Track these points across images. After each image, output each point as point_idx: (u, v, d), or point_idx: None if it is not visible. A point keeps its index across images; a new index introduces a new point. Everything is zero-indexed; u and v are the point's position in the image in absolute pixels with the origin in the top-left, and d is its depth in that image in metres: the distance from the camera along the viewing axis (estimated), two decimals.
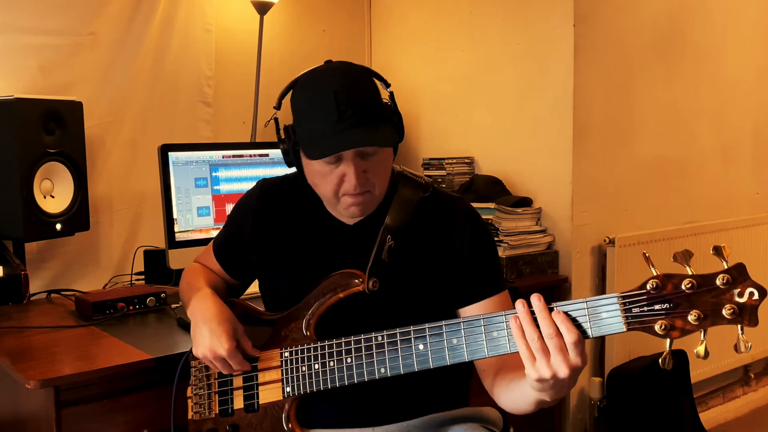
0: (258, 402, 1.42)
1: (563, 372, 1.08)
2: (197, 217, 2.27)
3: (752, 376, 3.57)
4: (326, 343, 1.35)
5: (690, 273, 1.05)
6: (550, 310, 1.11)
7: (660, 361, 1.07)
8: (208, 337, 1.37)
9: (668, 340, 1.05)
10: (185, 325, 1.82)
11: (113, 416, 1.63)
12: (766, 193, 3.56)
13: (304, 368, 1.37)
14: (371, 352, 1.29)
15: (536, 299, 1.11)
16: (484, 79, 2.90)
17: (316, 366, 1.35)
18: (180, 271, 1.72)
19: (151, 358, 1.63)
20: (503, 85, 2.84)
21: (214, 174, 2.31)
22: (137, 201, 2.61)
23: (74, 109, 2.26)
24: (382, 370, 1.28)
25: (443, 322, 1.22)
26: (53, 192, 2.22)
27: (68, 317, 2.04)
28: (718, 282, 1.03)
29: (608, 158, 2.78)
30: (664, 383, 2.77)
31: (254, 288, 1.63)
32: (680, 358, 2.83)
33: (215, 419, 1.47)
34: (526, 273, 2.60)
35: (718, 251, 1.03)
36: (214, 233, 1.70)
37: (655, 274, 1.06)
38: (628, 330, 1.07)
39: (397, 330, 1.27)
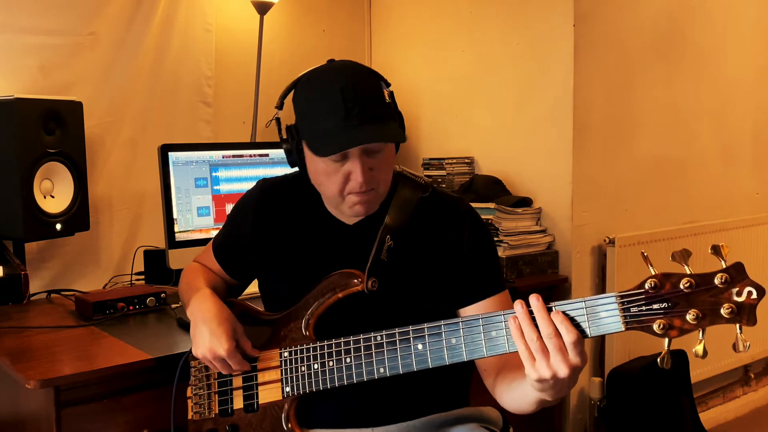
0: (257, 402, 1.42)
1: (563, 372, 1.08)
2: (197, 217, 2.27)
3: (752, 376, 3.57)
4: (325, 343, 1.35)
5: (688, 272, 1.05)
6: (549, 310, 1.11)
7: (658, 360, 1.07)
8: (207, 337, 1.37)
9: (666, 340, 1.05)
10: (185, 325, 1.82)
11: (113, 416, 1.63)
12: (766, 193, 3.56)
13: (303, 368, 1.37)
14: (370, 352, 1.29)
15: (535, 299, 1.11)
16: (484, 79, 2.90)
17: (316, 366, 1.35)
18: (180, 271, 1.72)
19: (151, 358, 1.63)
20: (503, 85, 2.84)
21: (214, 174, 2.31)
22: (137, 201, 2.62)
23: (74, 109, 2.26)
24: (381, 370, 1.28)
25: (442, 322, 1.22)
26: (53, 192, 2.22)
27: (68, 317, 2.04)
28: (717, 281, 1.03)
29: (608, 158, 2.78)
30: (664, 383, 2.77)
31: (254, 288, 1.63)
32: (680, 358, 2.83)
33: (215, 419, 1.47)
34: (526, 273, 2.60)
35: (716, 250, 1.03)
36: (214, 233, 1.70)
37: (653, 273, 1.06)
38: (627, 329, 1.07)
39: (396, 330, 1.27)
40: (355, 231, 1.45)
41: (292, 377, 1.38)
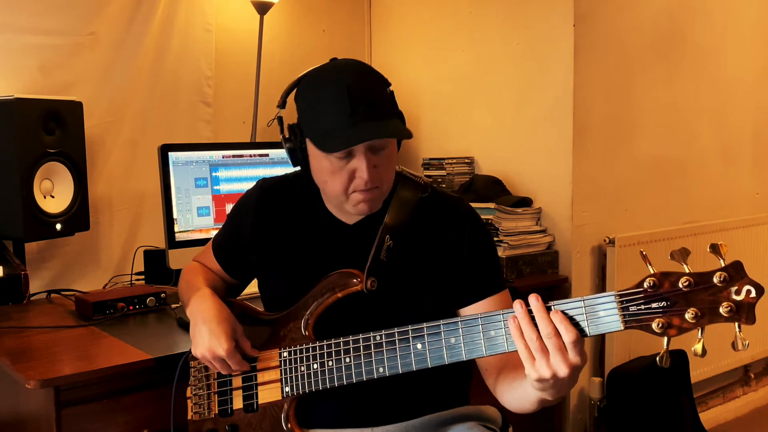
0: (257, 402, 1.42)
1: (563, 371, 1.08)
2: (197, 217, 2.27)
3: (752, 376, 3.57)
4: (325, 342, 1.35)
5: (687, 271, 1.05)
6: (548, 309, 1.11)
7: (657, 359, 1.07)
8: (207, 337, 1.37)
9: (665, 339, 1.06)
10: (185, 325, 1.82)
11: (113, 416, 1.63)
12: (766, 193, 3.56)
13: (302, 368, 1.37)
14: (369, 351, 1.29)
15: (534, 299, 1.11)
16: (484, 79, 2.90)
17: (315, 366, 1.35)
18: (180, 271, 1.72)
19: (151, 358, 1.63)
20: (503, 85, 2.84)
21: (214, 174, 2.31)
22: (137, 201, 2.62)
23: (74, 109, 2.26)
24: (381, 370, 1.28)
25: (441, 322, 1.23)
26: (53, 192, 2.22)
27: (68, 317, 2.04)
28: (715, 280, 1.03)
29: (608, 158, 2.78)
30: (664, 383, 2.77)
31: (253, 288, 1.63)
32: (680, 358, 2.83)
33: (215, 419, 1.47)
34: (526, 273, 2.60)
35: (715, 249, 1.03)
36: (214, 233, 1.70)
37: (652, 272, 1.06)
38: (626, 328, 1.07)
39: (396, 330, 1.27)
40: (354, 231, 1.45)
41: (291, 377, 1.38)
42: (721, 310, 1.02)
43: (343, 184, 1.35)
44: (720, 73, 3.26)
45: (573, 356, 1.08)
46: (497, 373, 1.36)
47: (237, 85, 2.88)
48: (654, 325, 1.05)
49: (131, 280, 2.45)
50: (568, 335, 1.08)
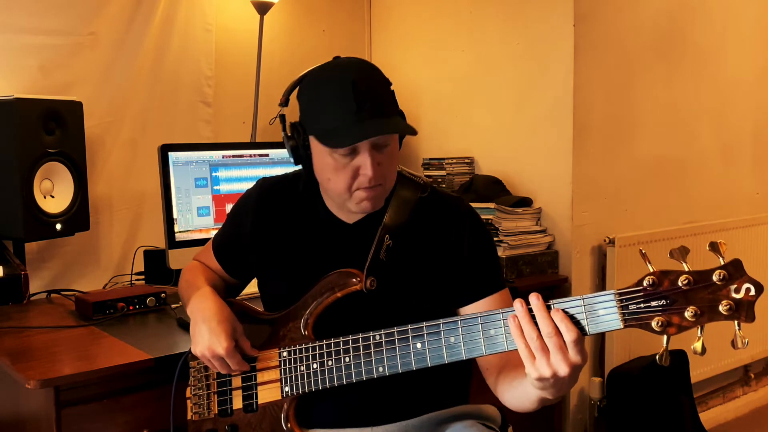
0: (257, 402, 1.42)
1: (563, 370, 1.08)
2: (197, 217, 2.27)
3: (752, 376, 3.57)
4: (324, 342, 1.35)
5: (686, 269, 1.05)
6: (548, 308, 1.11)
7: (657, 357, 1.07)
8: (207, 335, 1.37)
9: (665, 337, 1.06)
10: (185, 325, 1.82)
11: (113, 416, 1.63)
12: (766, 193, 3.56)
13: (302, 368, 1.37)
14: (369, 351, 1.29)
15: (534, 298, 1.11)
16: (484, 79, 2.90)
17: (315, 365, 1.35)
18: (180, 271, 1.72)
19: (151, 358, 1.63)
20: (503, 85, 2.84)
21: (214, 174, 2.31)
22: (137, 201, 2.62)
23: (74, 109, 2.26)
24: (381, 369, 1.28)
25: (440, 321, 1.23)
26: (53, 192, 2.22)
27: (68, 317, 2.04)
28: (715, 278, 1.03)
29: (608, 158, 2.78)
30: (664, 383, 2.77)
31: (253, 288, 1.63)
32: (680, 358, 2.83)
33: (214, 419, 1.47)
34: (526, 273, 2.60)
35: (714, 247, 1.03)
36: (214, 233, 1.70)
37: (651, 270, 1.06)
38: (625, 327, 1.07)
39: (395, 329, 1.27)
40: (354, 230, 1.45)
41: (291, 377, 1.38)
42: (721, 308, 1.02)
43: (346, 181, 1.35)
44: (720, 73, 3.26)
45: (573, 355, 1.08)
46: (497, 372, 1.36)
47: (237, 85, 2.88)
48: (654, 324, 1.05)
49: (131, 280, 2.46)
50: (569, 334, 1.08)
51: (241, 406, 1.44)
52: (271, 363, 1.41)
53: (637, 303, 1.06)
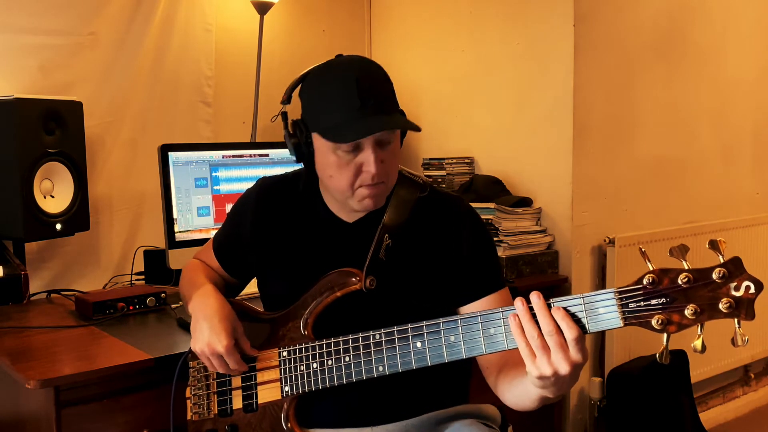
0: (257, 402, 1.42)
1: (564, 369, 1.08)
2: (197, 217, 2.27)
3: (752, 376, 3.57)
4: (324, 342, 1.35)
5: (686, 267, 1.05)
6: (549, 306, 1.11)
7: (657, 356, 1.07)
8: (207, 332, 1.37)
9: (665, 335, 1.06)
10: (185, 325, 1.82)
11: (113, 416, 1.63)
12: (766, 193, 3.56)
13: (302, 367, 1.37)
14: (369, 350, 1.29)
15: (535, 296, 1.11)
16: (484, 79, 2.90)
17: (315, 365, 1.35)
18: (180, 271, 1.72)
19: (151, 358, 1.63)
20: (503, 85, 2.84)
21: (214, 174, 2.31)
22: (137, 201, 2.62)
23: (74, 109, 2.26)
24: (381, 369, 1.28)
25: (440, 320, 1.23)
26: (53, 192, 2.22)
27: (68, 317, 2.04)
28: (715, 276, 1.03)
29: (608, 158, 2.78)
30: (664, 383, 2.77)
31: (253, 288, 1.63)
32: (680, 358, 2.83)
33: (214, 419, 1.47)
34: (526, 273, 2.60)
35: (714, 245, 1.03)
36: (214, 233, 1.70)
37: (651, 268, 1.06)
38: (625, 325, 1.07)
39: (395, 328, 1.27)
40: (353, 229, 1.45)
41: (291, 377, 1.38)
42: (721, 306, 1.02)
43: (349, 178, 1.35)
44: (720, 73, 3.26)
45: (574, 353, 1.08)
46: (498, 371, 1.36)
47: (237, 85, 2.88)
48: (654, 322, 1.05)
49: (131, 280, 2.45)
50: (570, 332, 1.08)
51: (241, 406, 1.44)
52: (271, 363, 1.41)
53: (637, 301, 1.06)
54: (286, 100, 1.46)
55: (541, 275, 2.64)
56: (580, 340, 1.08)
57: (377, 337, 1.28)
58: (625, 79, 2.83)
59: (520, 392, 1.26)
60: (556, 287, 2.62)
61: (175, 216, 2.22)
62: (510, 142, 2.84)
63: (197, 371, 1.50)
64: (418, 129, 1.36)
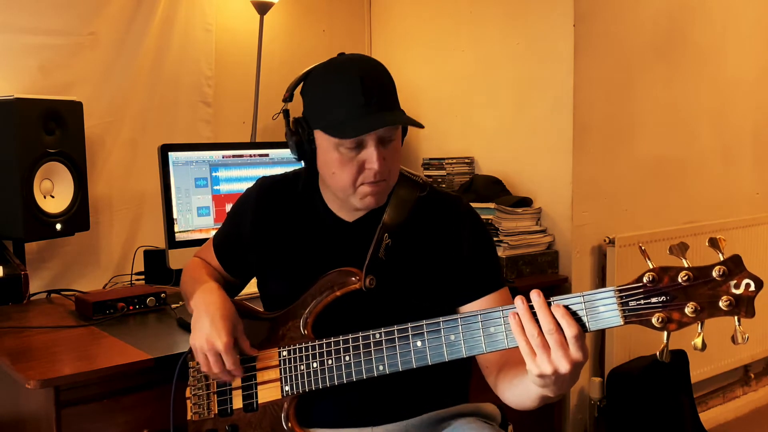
0: (257, 401, 1.42)
1: (564, 367, 1.08)
2: (197, 217, 2.27)
3: (752, 376, 3.57)
4: (324, 341, 1.35)
5: (686, 265, 1.05)
6: (548, 305, 1.11)
7: (658, 354, 1.07)
8: (208, 328, 1.36)
9: (665, 333, 1.06)
10: (185, 325, 1.82)
11: (113, 416, 1.63)
12: (766, 193, 3.56)
13: (302, 367, 1.37)
14: (369, 350, 1.29)
15: (536, 295, 1.11)
16: (484, 79, 2.90)
17: (315, 365, 1.35)
18: (180, 271, 1.72)
19: (151, 358, 1.63)
20: (503, 85, 2.84)
21: (214, 174, 2.31)
22: (137, 201, 2.62)
23: (74, 109, 2.26)
24: (381, 368, 1.28)
25: (440, 319, 1.23)
26: (53, 192, 2.22)
27: (68, 317, 2.04)
28: (714, 274, 1.03)
29: (608, 158, 2.78)
30: (664, 383, 2.77)
31: (253, 288, 1.63)
32: (680, 358, 2.83)
33: (214, 419, 1.47)
34: (526, 273, 2.60)
35: (713, 243, 1.04)
36: (214, 233, 1.70)
37: (651, 267, 1.06)
38: (626, 323, 1.07)
39: (395, 327, 1.27)
40: (353, 229, 1.45)
41: (291, 376, 1.38)
42: (721, 303, 1.02)
43: (352, 175, 1.35)
44: (720, 73, 3.26)
45: (574, 351, 1.08)
46: (498, 370, 1.36)
47: (237, 85, 2.88)
48: (654, 320, 1.05)
49: (131, 280, 2.45)
50: (570, 330, 1.08)
51: (241, 406, 1.44)
52: (271, 362, 1.41)
53: (637, 299, 1.06)
54: (288, 98, 1.46)
55: (541, 275, 2.64)
56: (579, 338, 1.08)
57: (377, 336, 1.28)
58: (625, 78, 2.83)
59: (521, 391, 1.26)
60: (556, 287, 2.62)
61: (175, 216, 2.22)
62: (510, 142, 2.84)
63: (197, 371, 1.49)
64: (421, 126, 1.36)
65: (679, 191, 3.10)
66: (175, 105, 2.70)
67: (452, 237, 1.44)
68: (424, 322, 1.24)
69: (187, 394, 1.51)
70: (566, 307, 1.10)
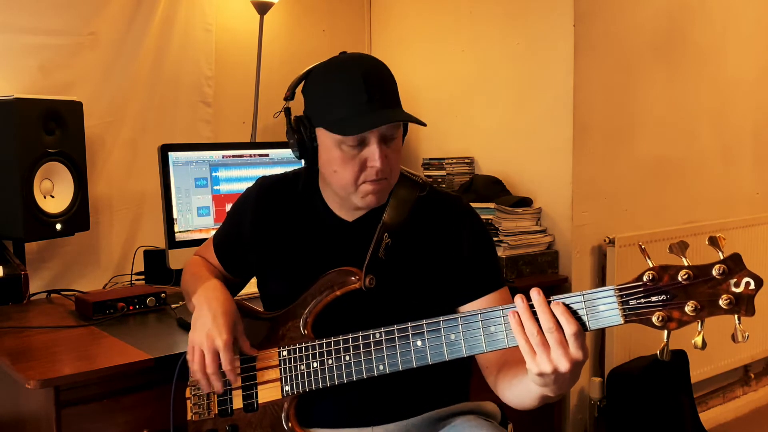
0: (257, 401, 1.42)
1: (564, 366, 1.08)
2: (197, 217, 2.27)
3: (752, 376, 3.57)
4: (324, 341, 1.34)
5: (686, 264, 1.05)
6: (549, 303, 1.11)
7: (658, 352, 1.07)
8: (209, 324, 1.35)
9: (666, 332, 1.06)
10: (185, 325, 1.82)
11: (113, 416, 1.63)
12: (766, 193, 3.56)
13: (302, 367, 1.37)
14: (369, 349, 1.29)
15: (536, 293, 1.11)
16: (484, 79, 2.90)
17: (315, 364, 1.35)
18: (180, 271, 1.72)
19: (151, 358, 1.63)
20: (503, 85, 2.84)
21: (214, 174, 2.31)
22: (137, 201, 2.61)
23: (74, 109, 2.26)
24: (381, 368, 1.28)
25: (440, 319, 1.23)
26: (53, 192, 2.22)
27: (68, 317, 2.04)
28: (714, 272, 1.03)
29: (608, 158, 2.78)
30: (664, 383, 2.77)
31: (253, 288, 1.63)
32: (680, 358, 2.83)
33: (214, 419, 1.47)
34: (526, 273, 2.60)
35: (713, 242, 1.04)
36: (214, 232, 1.70)
37: (651, 265, 1.06)
38: (626, 322, 1.07)
39: (395, 327, 1.27)
40: (353, 228, 1.45)
41: (291, 376, 1.38)
42: (721, 302, 1.02)
43: (354, 173, 1.35)
44: (720, 73, 3.26)
45: (574, 350, 1.08)
46: (497, 370, 1.36)
47: (237, 85, 2.88)
48: (654, 319, 1.05)
49: (131, 280, 2.45)
50: (569, 327, 1.08)
51: (241, 406, 1.44)
52: (271, 362, 1.41)
53: (637, 298, 1.06)
54: (290, 96, 1.46)
55: (541, 275, 2.64)
56: (579, 336, 1.08)
57: (377, 335, 1.28)
58: (625, 78, 2.83)
59: (521, 391, 1.26)
60: (556, 287, 2.62)
61: (175, 216, 2.22)
62: (510, 142, 2.84)
63: None
64: (423, 123, 1.37)
65: (679, 191, 3.10)
66: (175, 105, 2.70)
67: (452, 237, 1.44)
68: (424, 321, 1.24)
69: (187, 394, 1.50)
70: (566, 305, 1.10)
